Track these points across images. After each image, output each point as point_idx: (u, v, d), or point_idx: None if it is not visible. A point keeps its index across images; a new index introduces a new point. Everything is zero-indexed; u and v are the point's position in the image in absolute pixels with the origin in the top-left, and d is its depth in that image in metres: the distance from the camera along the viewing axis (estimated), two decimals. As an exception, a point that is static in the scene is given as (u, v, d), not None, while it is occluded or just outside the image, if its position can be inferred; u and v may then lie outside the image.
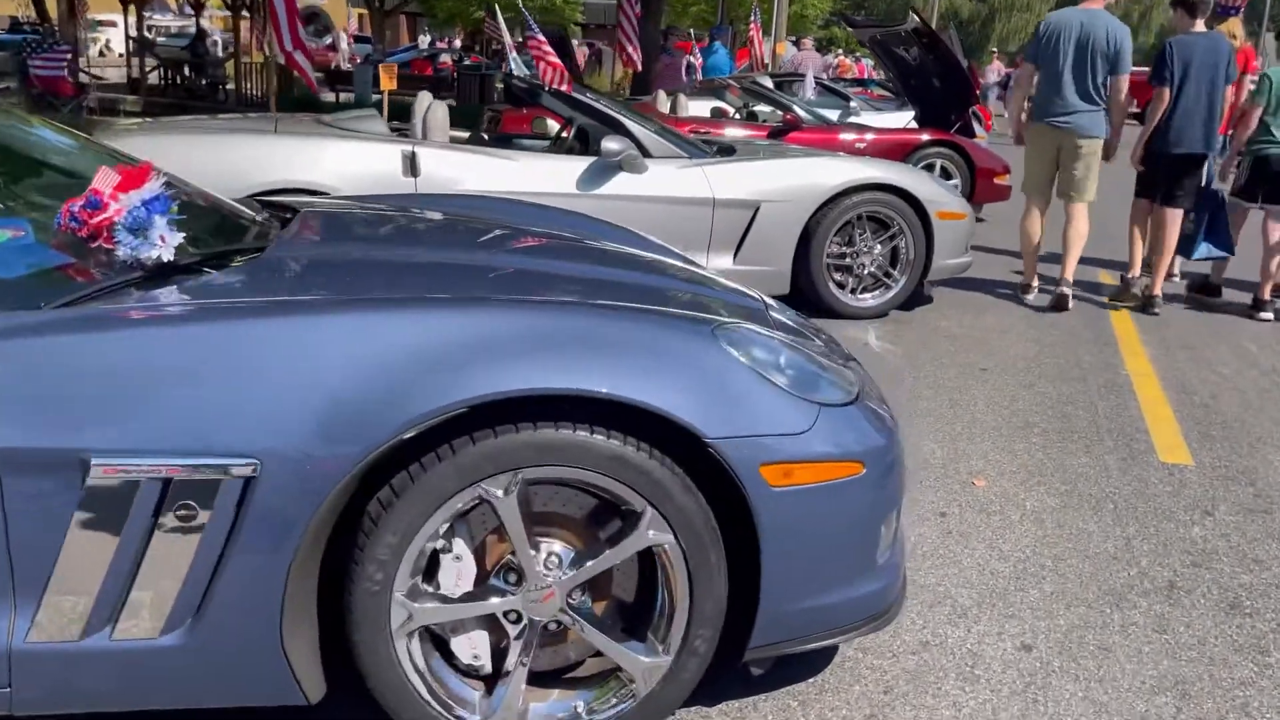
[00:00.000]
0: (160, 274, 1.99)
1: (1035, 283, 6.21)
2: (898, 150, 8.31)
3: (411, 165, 4.72)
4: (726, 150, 5.57)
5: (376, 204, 3.18)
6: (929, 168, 8.43)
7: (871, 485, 2.04)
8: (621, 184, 4.96)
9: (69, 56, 10.68)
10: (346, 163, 4.67)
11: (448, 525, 1.85)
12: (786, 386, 1.98)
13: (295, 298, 1.92)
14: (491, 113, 8.74)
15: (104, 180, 2.02)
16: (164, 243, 2.01)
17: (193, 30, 20.11)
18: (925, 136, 8.57)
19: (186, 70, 18.74)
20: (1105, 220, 7.26)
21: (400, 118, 6.05)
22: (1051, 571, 2.83)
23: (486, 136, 6.23)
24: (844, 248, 5.43)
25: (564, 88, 5.14)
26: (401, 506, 1.78)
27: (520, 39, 5.35)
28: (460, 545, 1.89)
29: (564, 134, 5.93)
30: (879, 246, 5.46)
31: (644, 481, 1.85)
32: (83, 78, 10.72)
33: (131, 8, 18.72)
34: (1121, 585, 2.78)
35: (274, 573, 1.74)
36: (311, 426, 1.71)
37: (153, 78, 18.74)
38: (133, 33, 19.85)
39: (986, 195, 8.60)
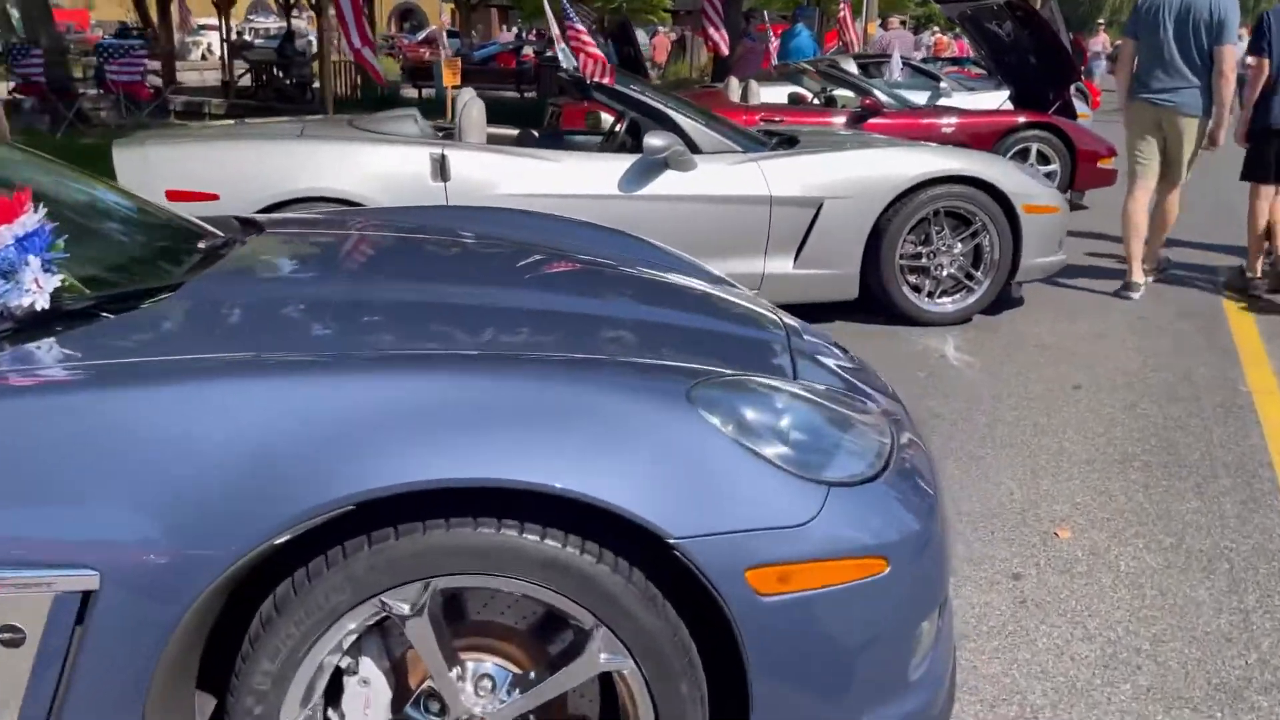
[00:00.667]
0: (36, 324, 1.68)
1: (1142, 279, 5.58)
2: (989, 134, 7.68)
3: (441, 169, 4.39)
4: (789, 142, 5.09)
5: (363, 220, 2.84)
6: (1024, 153, 7.77)
7: (899, 585, 1.59)
8: (668, 183, 4.54)
9: (145, 62, 10.74)
10: (373, 168, 4.36)
11: (353, 639, 1.48)
12: (784, 461, 1.55)
13: (166, 359, 1.56)
14: (554, 107, 8.44)
15: (-36, 216, 1.70)
16: (38, 288, 1.69)
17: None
18: (1021, 119, 7.90)
19: (275, 71, 18.94)
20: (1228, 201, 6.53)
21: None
22: (1149, 658, 2.32)
23: (536, 134, 5.87)
24: (919, 247, 4.90)
25: (605, 80, 4.73)
26: (283, 625, 1.42)
27: (560, 29, 4.94)
28: (369, 665, 1.52)
29: (617, 128, 5.55)
30: (959, 245, 4.91)
31: (591, 594, 1.45)
32: (155, 80, 10.78)
33: (229, 10, 19.03)
34: (1237, 678, 2.25)
35: (127, 700, 1.39)
36: (161, 528, 1.36)
37: (247, 79, 19.01)
38: (228, 36, 20.19)
39: (1089, 181, 7.89)
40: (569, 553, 1.43)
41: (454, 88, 8.08)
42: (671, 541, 1.44)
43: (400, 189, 4.32)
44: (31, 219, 1.73)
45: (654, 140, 4.43)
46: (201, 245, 2.25)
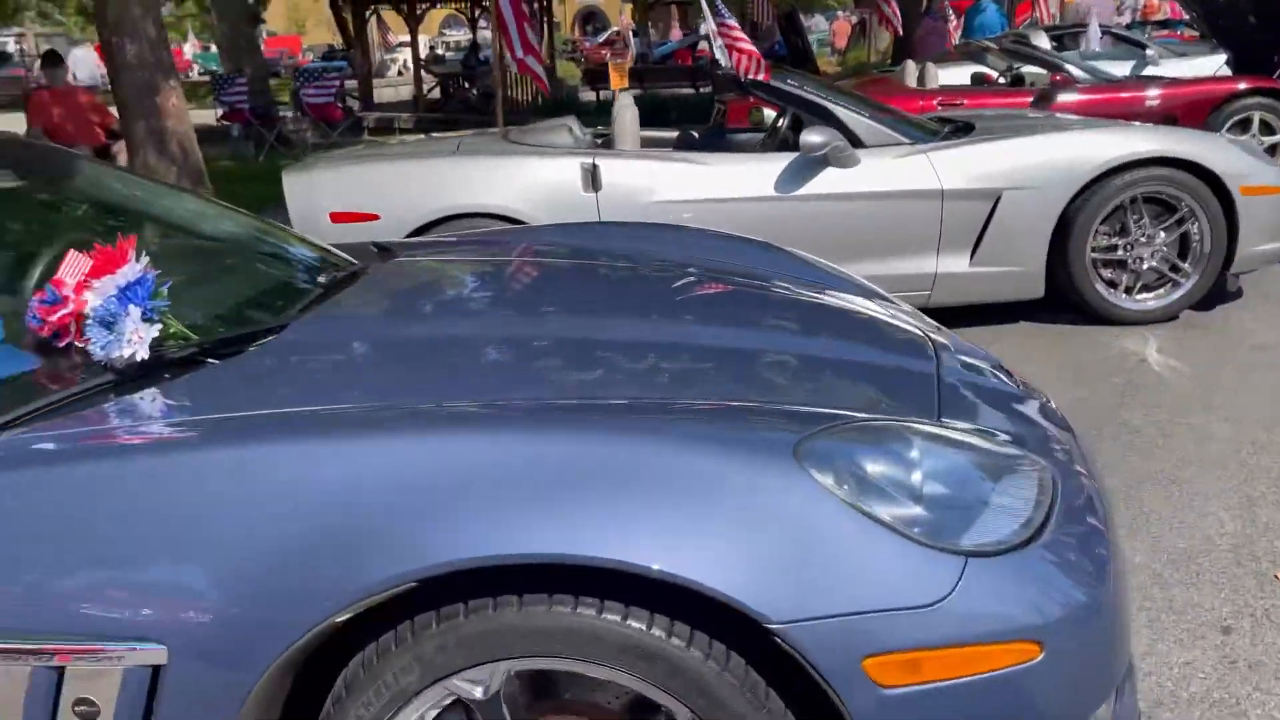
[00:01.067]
0: (140, 373, 1.66)
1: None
2: (1203, 104, 6.94)
3: (593, 179, 4.30)
4: (964, 129, 4.71)
5: (498, 243, 2.76)
6: (1244, 123, 6.99)
7: (1059, 671, 1.34)
8: (829, 181, 4.28)
9: (338, 84, 11.30)
10: (524, 181, 4.32)
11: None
12: (913, 526, 1.32)
13: (237, 416, 1.49)
14: (719, 104, 8.24)
15: (71, 267, 1.71)
16: (138, 338, 1.67)
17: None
18: (1240, 85, 7.10)
19: (462, 82, 19.61)
20: None
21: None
22: (1395, 741, 1.93)
23: (696, 134, 5.71)
24: (1115, 238, 4.42)
25: (760, 75, 4.51)
26: (351, 706, 1.33)
27: (714, 25, 4.75)
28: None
29: (779, 124, 5.31)
30: (1162, 235, 4.40)
31: (680, 682, 1.27)
32: (354, 100, 11.36)
33: (418, 27, 19.83)
34: None
35: None
36: (225, 600, 1.29)
37: (436, 93, 19.77)
38: (420, 51, 21.06)
39: (1324, 151, 7.00)
40: (654, 636, 1.26)
41: (621, 90, 8.05)
42: (771, 627, 1.24)
43: (552, 201, 4.26)
44: (134, 268, 1.72)
45: (811, 137, 4.19)
46: (322, 280, 2.22)
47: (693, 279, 2.36)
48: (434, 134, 7.68)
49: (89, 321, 1.68)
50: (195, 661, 1.30)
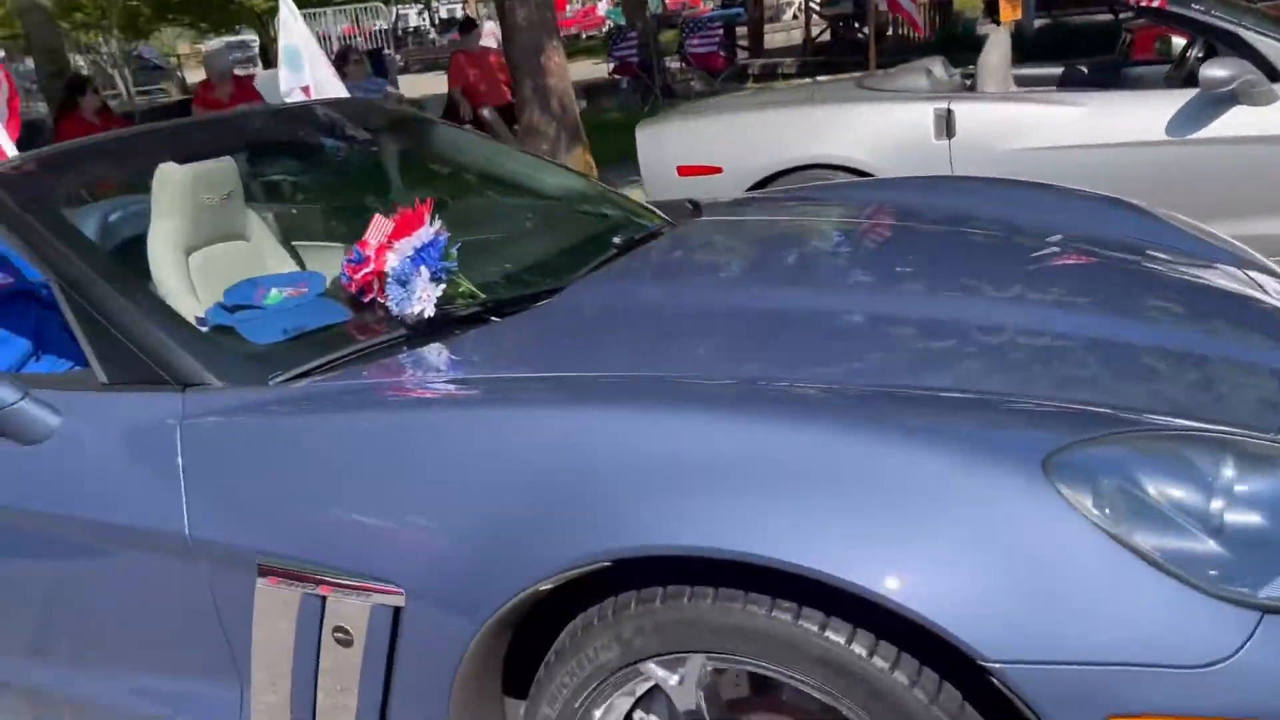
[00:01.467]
0: (429, 329, 1.80)
1: None
2: None
3: (947, 126, 4.00)
4: None
5: (814, 201, 2.65)
6: None
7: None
8: (1235, 122, 3.63)
9: (720, 33, 11.47)
10: (871, 130, 4.11)
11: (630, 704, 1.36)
12: (1198, 566, 1.09)
13: (497, 376, 1.55)
14: (1127, 33, 7.29)
15: (375, 229, 1.87)
16: (426, 298, 1.80)
17: (865, -18, 20.37)
18: None
19: (853, 23, 19.10)
20: None
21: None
22: None
23: (1085, 69, 5.10)
24: None
25: (1155, 4, 3.89)
26: (559, 672, 1.35)
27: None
28: (659, 727, 1.38)
29: (1188, 54, 4.60)
30: None
31: (882, 708, 1.15)
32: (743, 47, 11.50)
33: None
34: None
35: (437, 701, 1.43)
36: (451, 558, 1.36)
37: (828, 36, 19.45)
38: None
39: None
40: (854, 653, 1.15)
41: (1008, 21, 7.38)
42: (988, 665, 1.08)
43: (899, 151, 4.02)
44: (429, 231, 1.85)
45: (1214, 71, 3.56)
46: (616, 240, 2.25)
47: (1015, 245, 2.11)
48: (818, 79, 7.51)
49: (389, 280, 1.83)
50: (426, 608, 1.38)
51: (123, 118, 8.28)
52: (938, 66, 4.71)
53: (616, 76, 12.00)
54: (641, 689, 1.33)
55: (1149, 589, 1.07)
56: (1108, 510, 1.12)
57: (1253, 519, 1.16)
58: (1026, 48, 10.82)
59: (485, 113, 8.89)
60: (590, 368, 1.59)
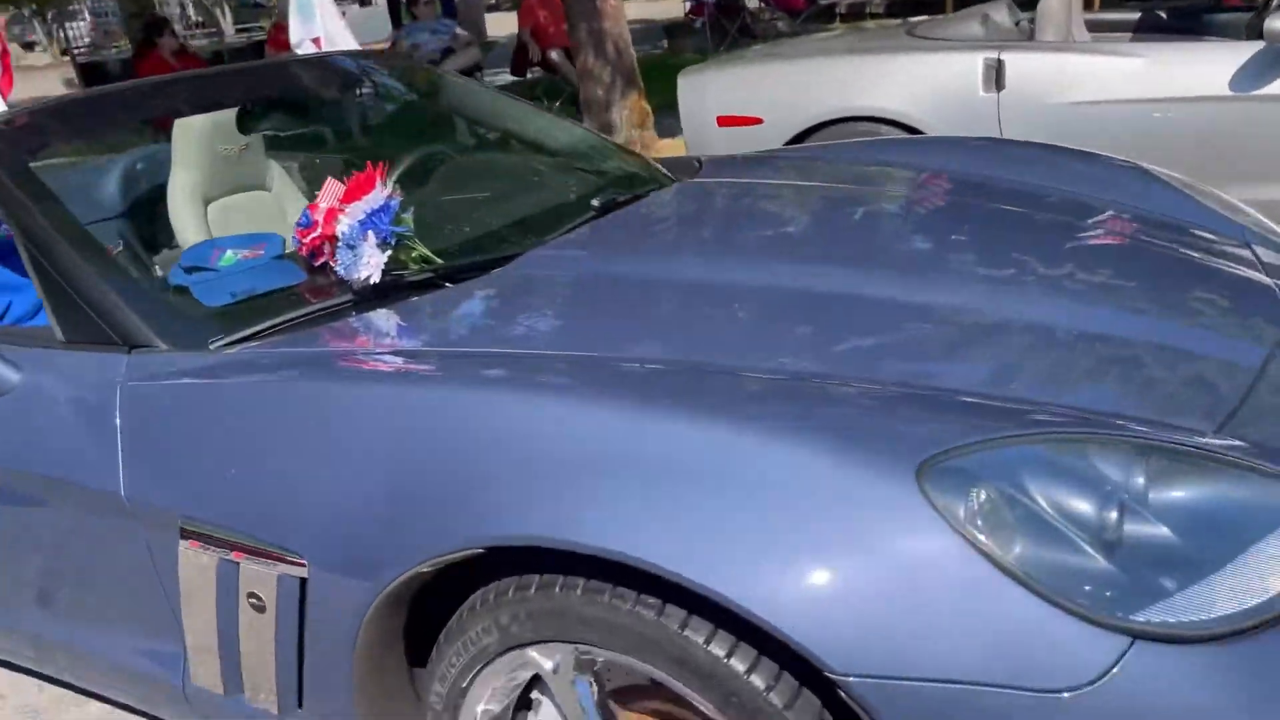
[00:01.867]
0: (377, 296, 1.79)
1: None
2: None
3: (997, 77, 3.80)
4: None
5: (819, 162, 2.55)
6: None
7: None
8: (1307, 78, 3.37)
9: (803, -30, 11.13)
10: (917, 81, 3.93)
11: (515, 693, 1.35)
12: (1075, 584, 1.02)
13: (410, 349, 1.54)
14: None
15: (328, 193, 1.86)
16: (373, 264, 1.79)
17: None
18: None
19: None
20: None
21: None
22: None
23: (1164, 14, 4.78)
24: None
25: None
26: (448, 652, 1.35)
27: None
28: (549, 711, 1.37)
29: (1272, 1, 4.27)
30: None
31: (736, 712, 1.12)
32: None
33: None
34: None
35: (341, 678, 1.45)
36: (349, 533, 1.36)
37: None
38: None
39: None
40: (711, 655, 1.11)
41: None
42: (833, 677, 1.04)
43: (945, 103, 3.84)
44: (379, 195, 1.83)
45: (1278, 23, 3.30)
46: (595, 203, 2.20)
47: (1004, 216, 2.00)
48: (911, 20, 7.18)
49: (339, 245, 1.83)
50: (326, 580, 1.39)
51: (205, 58, 8.41)
52: (1001, 11, 4.47)
53: (692, 17, 11.75)
54: (525, 675, 1.32)
55: (1012, 606, 1.01)
56: (980, 521, 1.05)
57: (1156, 533, 1.08)
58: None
59: (554, 54, 8.83)
60: (519, 344, 1.57)
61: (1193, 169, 3.46)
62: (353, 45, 4.28)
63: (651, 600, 1.15)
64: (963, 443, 1.12)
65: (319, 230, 1.82)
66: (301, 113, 2.72)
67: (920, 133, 3.83)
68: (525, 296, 1.76)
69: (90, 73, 12.42)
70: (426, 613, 1.42)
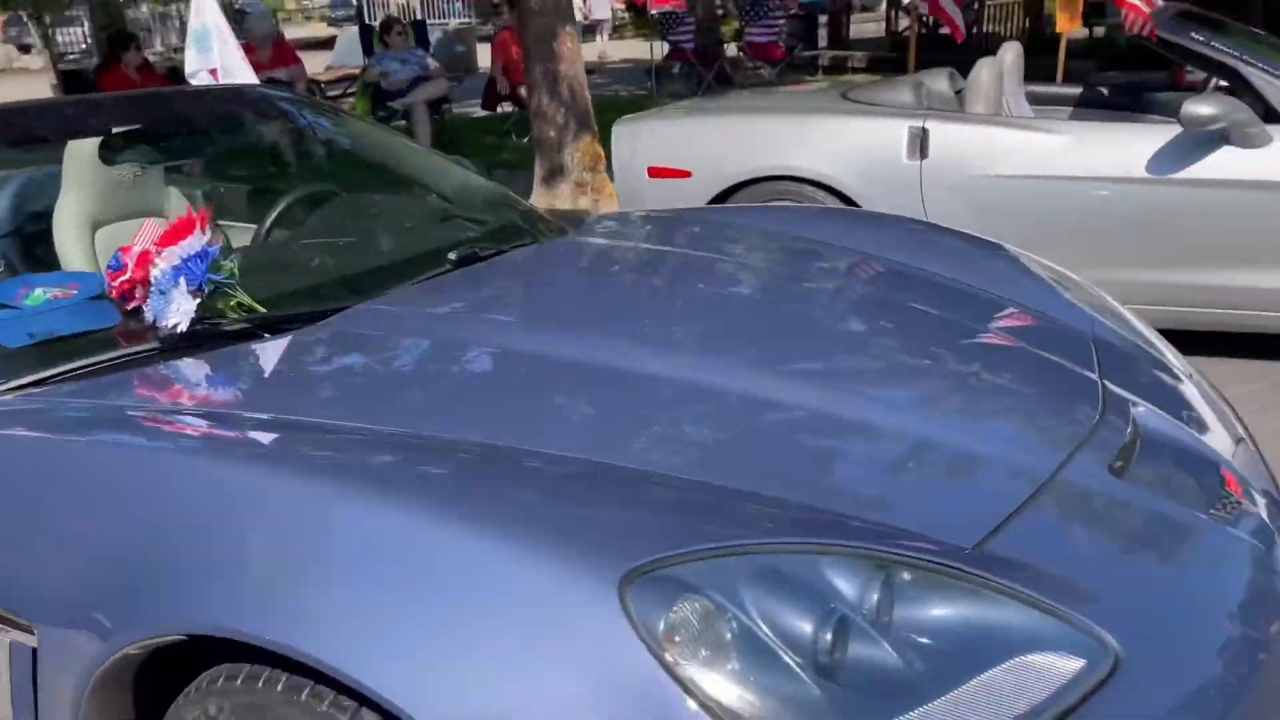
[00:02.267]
0: (184, 345, 1.72)
1: None
2: None
3: (921, 145, 3.78)
4: None
5: (678, 228, 2.51)
6: None
7: None
8: (1223, 164, 3.35)
9: (781, 22, 11.17)
10: (843, 144, 3.91)
11: None
12: (760, 711, 0.96)
13: (186, 410, 1.47)
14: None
15: (144, 235, 1.80)
16: (182, 311, 1.73)
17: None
18: None
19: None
20: None
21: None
22: None
23: (1106, 91, 4.79)
24: None
25: (1145, 33, 3.61)
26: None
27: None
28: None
29: (1208, 83, 4.30)
30: None
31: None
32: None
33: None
34: None
35: None
36: (72, 601, 1.28)
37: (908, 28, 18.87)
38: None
39: None
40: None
41: (1069, 34, 7.00)
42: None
43: (869, 168, 3.83)
44: (197, 241, 1.77)
45: (1197, 108, 3.28)
46: (452, 256, 2.13)
47: (850, 282, 1.96)
48: (888, 76, 7.18)
49: (152, 289, 1.76)
50: (52, 654, 1.31)
51: (169, 75, 8.39)
52: (940, 80, 4.48)
53: (671, 61, 11.80)
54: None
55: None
56: (678, 638, 0.99)
57: (881, 656, 1.02)
58: (1118, 57, 10.24)
59: (524, 90, 8.84)
60: (296, 409, 1.50)
61: (1100, 249, 3.46)
62: (251, 78, 4.23)
63: (347, 702, 1.07)
64: (682, 550, 1.05)
65: (128, 274, 1.75)
66: (189, 141, 2.66)
67: (844, 195, 3.82)
68: (331, 355, 1.69)
69: (71, 80, 12.38)
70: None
